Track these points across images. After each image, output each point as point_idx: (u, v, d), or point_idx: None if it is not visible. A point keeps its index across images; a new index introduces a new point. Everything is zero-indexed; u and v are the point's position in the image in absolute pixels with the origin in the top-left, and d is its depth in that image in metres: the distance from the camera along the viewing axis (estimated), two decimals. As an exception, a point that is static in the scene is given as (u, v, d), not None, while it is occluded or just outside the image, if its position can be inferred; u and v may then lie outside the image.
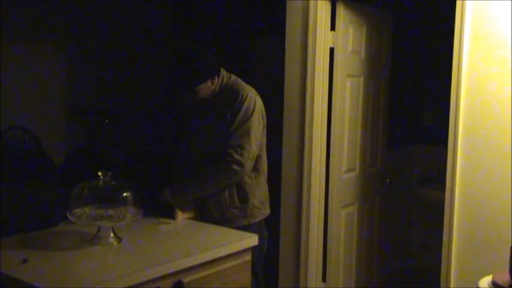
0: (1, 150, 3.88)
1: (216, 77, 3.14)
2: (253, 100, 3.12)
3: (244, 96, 3.10)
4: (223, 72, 3.19)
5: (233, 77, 3.23)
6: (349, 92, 4.05)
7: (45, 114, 4.41)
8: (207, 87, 3.11)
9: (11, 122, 4.03)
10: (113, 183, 2.68)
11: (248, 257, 2.85)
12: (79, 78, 4.64)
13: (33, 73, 4.32)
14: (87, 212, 2.64)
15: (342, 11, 3.86)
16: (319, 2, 3.73)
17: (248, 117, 3.08)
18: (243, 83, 3.21)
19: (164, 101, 4.85)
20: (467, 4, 3.13)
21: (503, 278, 2.38)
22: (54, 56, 4.48)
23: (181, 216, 3.08)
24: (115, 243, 2.63)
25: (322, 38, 3.79)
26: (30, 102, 4.29)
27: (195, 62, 3.07)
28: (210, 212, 3.14)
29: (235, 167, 3.03)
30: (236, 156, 3.03)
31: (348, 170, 4.13)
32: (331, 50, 3.87)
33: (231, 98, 3.11)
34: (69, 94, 4.58)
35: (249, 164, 3.09)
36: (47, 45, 4.42)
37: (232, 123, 3.07)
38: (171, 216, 3.07)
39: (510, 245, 2.37)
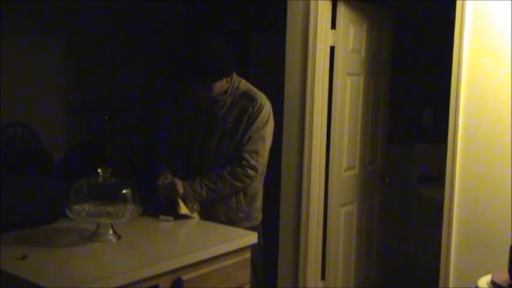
0: (0, 146, 3.88)
1: (231, 76, 3.13)
2: (269, 108, 3.16)
3: (263, 104, 3.13)
4: (235, 75, 3.18)
5: (243, 80, 3.21)
6: (349, 90, 4.05)
7: (45, 110, 4.42)
8: (221, 85, 3.09)
9: (10, 118, 4.03)
10: (112, 180, 2.67)
11: (248, 255, 2.84)
12: (79, 75, 4.64)
13: (34, 69, 4.32)
14: (87, 208, 2.64)
15: (342, 10, 3.86)
16: (319, 0, 3.73)
17: (264, 124, 3.12)
18: (256, 89, 3.21)
19: (167, 97, 4.84)
20: (467, 2, 3.13)
21: (502, 277, 2.38)
22: (54, 52, 4.48)
23: (184, 209, 3.04)
24: (114, 240, 2.63)
25: (323, 36, 3.78)
26: (30, 98, 4.29)
27: (216, 58, 3.03)
28: (217, 216, 3.14)
29: (250, 172, 3.08)
30: (252, 161, 3.07)
31: (348, 168, 4.13)
32: (332, 49, 3.86)
33: (247, 104, 3.11)
34: (69, 90, 4.58)
35: (262, 170, 3.16)
36: (47, 41, 4.42)
37: (249, 129, 3.09)
38: (171, 213, 3.06)
39: (509, 244, 2.36)
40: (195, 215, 3.08)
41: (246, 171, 3.07)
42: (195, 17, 5.25)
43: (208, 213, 3.14)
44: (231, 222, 3.14)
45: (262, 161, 3.13)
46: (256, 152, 3.09)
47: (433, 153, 5.31)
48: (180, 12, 5.25)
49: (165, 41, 5.13)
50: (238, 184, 3.08)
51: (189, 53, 3.19)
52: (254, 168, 3.09)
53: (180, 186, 3.03)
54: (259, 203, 3.28)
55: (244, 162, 3.06)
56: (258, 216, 3.28)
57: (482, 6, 3.09)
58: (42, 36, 4.38)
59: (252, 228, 3.18)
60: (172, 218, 3.03)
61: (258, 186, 3.23)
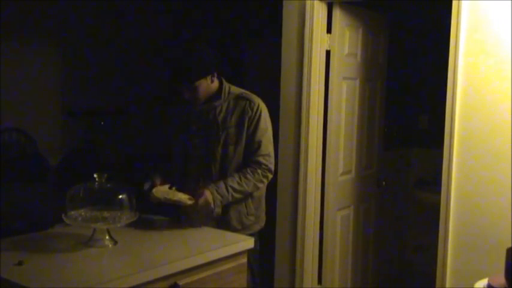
0: (-4, 152, 3.87)
1: (216, 75, 3.11)
2: (266, 109, 3.19)
3: (260, 105, 3.15)
4: (224, 82, 3.18)
5: (232, 85, 3.21)
6: (345, 95, 4.05)
7: (40, 115, 4.41)
8: (207, 85, 3.07)
9: (6, 123, 4.03)
10: (108, 185, 2.67)
11: (244, 260, 2.84)
12: (74, 79, 4.63)
13: (29, 74, 4.32)
14: (83, 214, 2.63)
15: (338, 14, 3.86)
16: (315, 4, 3.74)
17: (268, 126, 3.18)
18: (249, 92, 3.22)
19: (161, 101, 4.84)
20: (463, 6, 3.13)
21: (499, 281, 2.38)
22: (49, 57, 4.48)
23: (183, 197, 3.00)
24: (110, 246, 2.63)
25: (319, 40, 3.79)
26: (26, 104, 4.29)
27: (195, 55, 3.04)
28: (231, 223, 3.14)
29: (269, 174, 3.16)
30: (270, 165, 3.14)
31: (344, 173, 4.13)
32: (328, 53, 3.87)
33: (245, 106, 3.12)
34: (65, 95, 4.58)
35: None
36: (42, 46, 4.42)
37: (256, 132, 3.11)
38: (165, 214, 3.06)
39: (506, 247, 2.36)
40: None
41: (266, 173, 3.13)
42: (191, 21, 5.25)
43: (222, 220, 3.14)
44: (244, 227, 3.17)
45: (273, 162, 3.18)
46: (269, 155, 3.15)
47: (429, 158, 5.32)
48: (177, 17, 5.26)
49: (160, 46, 5.13)
50: (259, 185, 3.13)
51: (170, 53, 3.20)
52: (271, 171, 3.16)
53: (210, 198, 2.98)
54: (264, 204, 3.31)
55: (263, 166, 3.11)
56: (264, 217, 3.31)
57: (478, 9, 3.09)
58: (38, 42, 4.37)
59: (260, 231, 3.24)
60: (166, 219, 3.03)
61: (263, 189, 3.26)
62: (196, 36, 5.08)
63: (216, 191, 3.00)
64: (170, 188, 3.02)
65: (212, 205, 2.98)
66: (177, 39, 5.18)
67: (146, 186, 3.08)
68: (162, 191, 2.97)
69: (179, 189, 3.02)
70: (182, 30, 5.24)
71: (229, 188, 3.03)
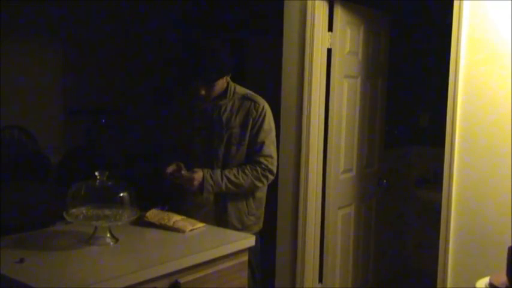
0: (-2, 150, 3.88)
1: (230, 76, 3.14)
2: (270, 111, 3.20)
3: (265, 107, 3.16)
4: (230, 82, 3.18)
5: (238, 86, 3.22)
6: (347, 93, 4.05)
7: (42, 113, 4.41)
8: (222, 85, 3.10)
9: (7, 121, 4.03)
10: (109, 183, 2.67)
11: (245, 258, 2.84)
12: (76, 78, 4.63)
13: (30, 73, 4.32)
14: (84, 211, 2.63)
15: (339, 12, 3.86)
16: (316, 2, 3.73)
17: (272, 127, 3.18)
18: (254, 93, 3.23)
19: (164, 99, 4.84)
20: (465, 4, 3.13)
21: (500, 279, 2.38)
22: (51, 56, 4.48)
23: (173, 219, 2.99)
24: (112, 244, 2.62)
25: (320, 38, 3.79)
26: (27, 102, 4.29)
27: (217, 55, 3.06)
28: (230, 222, 3.15)
29: (270, 175, 3.15)
30: (270, 166, 3.14)
31: (345, 171, 4.13)
32: (329, 51, 3.87)
33: (250, 107, 3.13)
34: (66, 93, 4.58)
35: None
36: (44, 45, 4.42)
37: (259, 133, 3.12)
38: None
39: (507, 246, 2.37)
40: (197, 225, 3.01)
41: (265, 172, 3.12)
42: (191, 21, 5.25)
43: (221, 218, 3.14)
44: (244, 226, 3.17)
45: (276, 164, 3.19)
46: (271, 156, 3.15)
47: (430, 156, 5.32)
48: (177, 16, 5.25)
49: (162, 45, 5.13)
50: (257, 183, 3.12)
51: (192, 52, 3.19)
52: (271, 172, 3.15)
53: (197, 178, 3.02)
54: (265, 206, 3.31)
55: (263, 166, 3.11)
56: (263, 219, 3.31)
57: (480, 7, 3.09)
58: (39, 40, 4.38)
59: (259, 232, 3.24)
60: (166, 206, 3.03)
61: (264, 190, 3.27)
62: (209, 36, 5.08)
63: (210, 175, 3.04)
64: (163, 208, 3.03)
65: (195, 182, 3.01)
66: (183, 38, 5.18)
67: (170, 169, 3.08)
68: (156, 213, 2.97)
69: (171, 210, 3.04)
70: (185, 29, 5.24)
71: (224, 177, 3.05)
